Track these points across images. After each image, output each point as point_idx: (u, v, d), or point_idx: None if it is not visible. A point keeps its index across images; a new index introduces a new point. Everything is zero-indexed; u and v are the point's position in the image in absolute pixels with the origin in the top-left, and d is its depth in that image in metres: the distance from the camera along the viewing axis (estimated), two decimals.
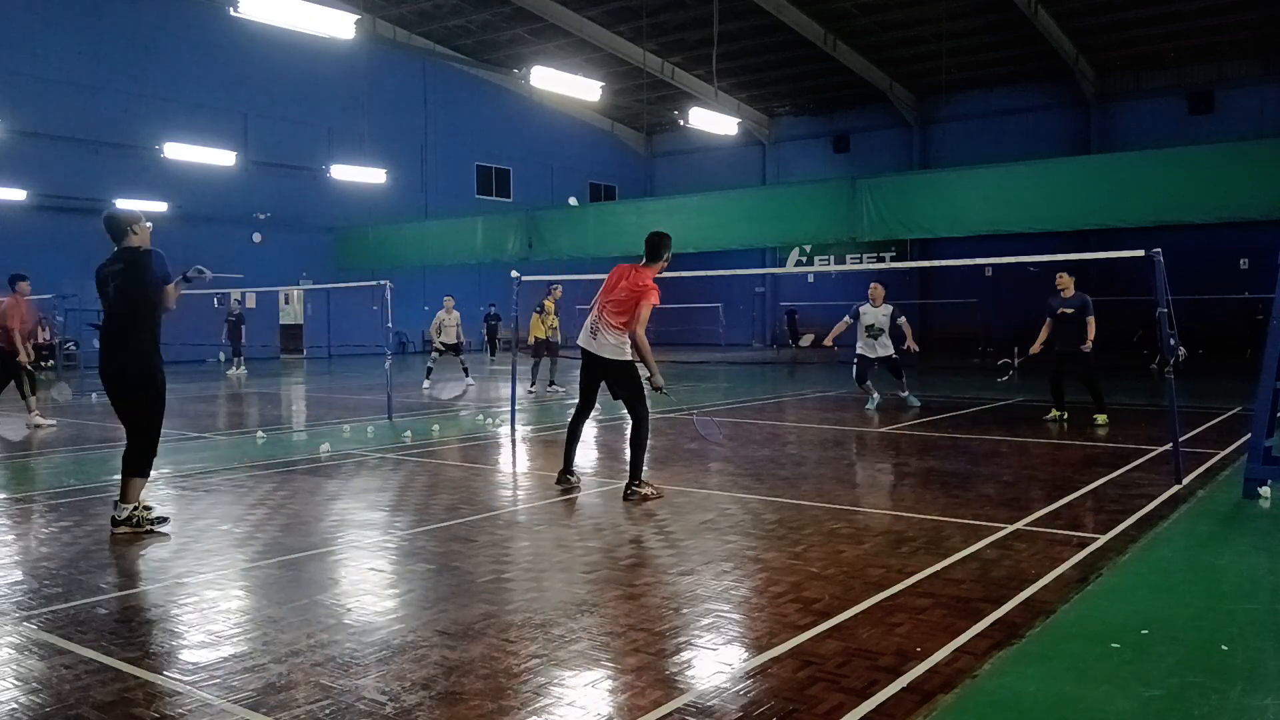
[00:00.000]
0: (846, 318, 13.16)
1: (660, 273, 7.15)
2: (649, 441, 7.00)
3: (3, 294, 11.81)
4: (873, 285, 13.04)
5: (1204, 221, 18.28)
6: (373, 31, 27.88)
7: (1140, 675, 3.57)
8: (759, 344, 36.22)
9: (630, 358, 6.92)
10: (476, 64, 29.99)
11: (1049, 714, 3.26)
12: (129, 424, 6.03)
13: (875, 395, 13.01)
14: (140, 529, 5.91)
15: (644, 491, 6.91)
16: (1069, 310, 10.95)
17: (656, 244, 7.15)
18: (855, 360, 13.08)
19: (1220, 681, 3.50)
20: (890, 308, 12.85)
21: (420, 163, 31.97)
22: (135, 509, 5.96)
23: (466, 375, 17.65)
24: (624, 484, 7.04)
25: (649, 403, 7.10)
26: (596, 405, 7.46)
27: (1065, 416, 11.19)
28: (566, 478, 7.35)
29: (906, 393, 13.09)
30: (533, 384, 16.47)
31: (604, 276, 7.29)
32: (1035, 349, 11.46)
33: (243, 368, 22.47)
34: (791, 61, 31.15)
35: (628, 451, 7.03)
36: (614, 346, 6.88)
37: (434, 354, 18.06)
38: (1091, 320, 10.83)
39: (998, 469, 8.18)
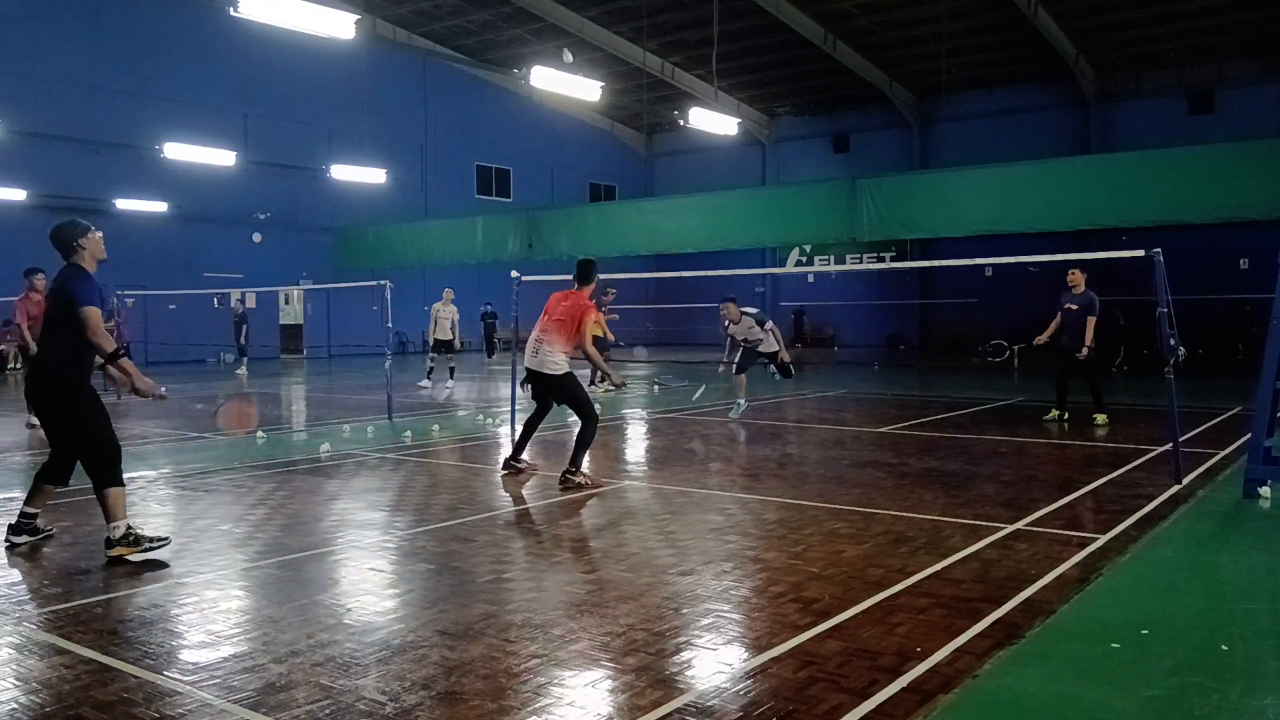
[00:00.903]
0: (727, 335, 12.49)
1: (592, 294, 7.99)
2: (594, 439, 7.73)
3: (13, 292, 11.77)
4: (721, 309, 12.36)
5: (1204, 221, 18.26)
6: (373, 31, 27.88)
7: (1140, 675, 3.57)
8: None
9: (568, 369, 7.69)
10: (476, 64, 29.98)
11: (1049, 714, 3.26)
12: (71, 445, 5.48)
13: (741, 402, 12.21)
14: (138, 547, 5.32)
15: (578, 480, 7.44)
16: (1074, 307, 10.98)
17: (586, 270, 7.96)
18: (740, 350, 12.35)
19: (1220, 681, 3.50)
20: (750, 320, 12.16)
21: (420, 163, 31.96)
22: (129, 527, 5.36)
23: (450, 378, 17.46)
24: (561, 473, 7.55)
25: (597, 407, 7.91)
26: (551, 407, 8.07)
27: (1065, 417, 11.14)
28: (514, 464, 8.01)
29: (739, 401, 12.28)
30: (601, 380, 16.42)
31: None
32: (1040, 340, 11.46)
33: (244, 368, 22.48)
34: (791, 61, 31.14)
35: (572, 444, 7.67)
36: (554, 362, 7.63)
37: (430, 354, 17.85)
38: (1091, 321, 10.79)
39: (998, 469, 8.18)
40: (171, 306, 24.78)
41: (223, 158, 23.80)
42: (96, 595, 4.68)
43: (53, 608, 4.47)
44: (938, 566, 4.98)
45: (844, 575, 4.85)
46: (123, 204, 23.81)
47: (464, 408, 14.10)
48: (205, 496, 7.27)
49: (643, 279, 33.84)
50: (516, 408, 11.42)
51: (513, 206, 32.87)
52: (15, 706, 3.34)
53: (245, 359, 22.82)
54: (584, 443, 7.60)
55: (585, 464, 7.69)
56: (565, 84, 17.03)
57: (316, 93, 28.42)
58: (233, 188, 26.48)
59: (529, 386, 8.04)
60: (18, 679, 3.60)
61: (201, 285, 24.64)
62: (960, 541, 5.51)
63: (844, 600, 4.42)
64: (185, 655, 3.86)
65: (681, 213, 23.21)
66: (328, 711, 3.26)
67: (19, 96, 22.67)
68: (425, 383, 17.30)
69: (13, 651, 3.90)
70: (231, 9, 11.81)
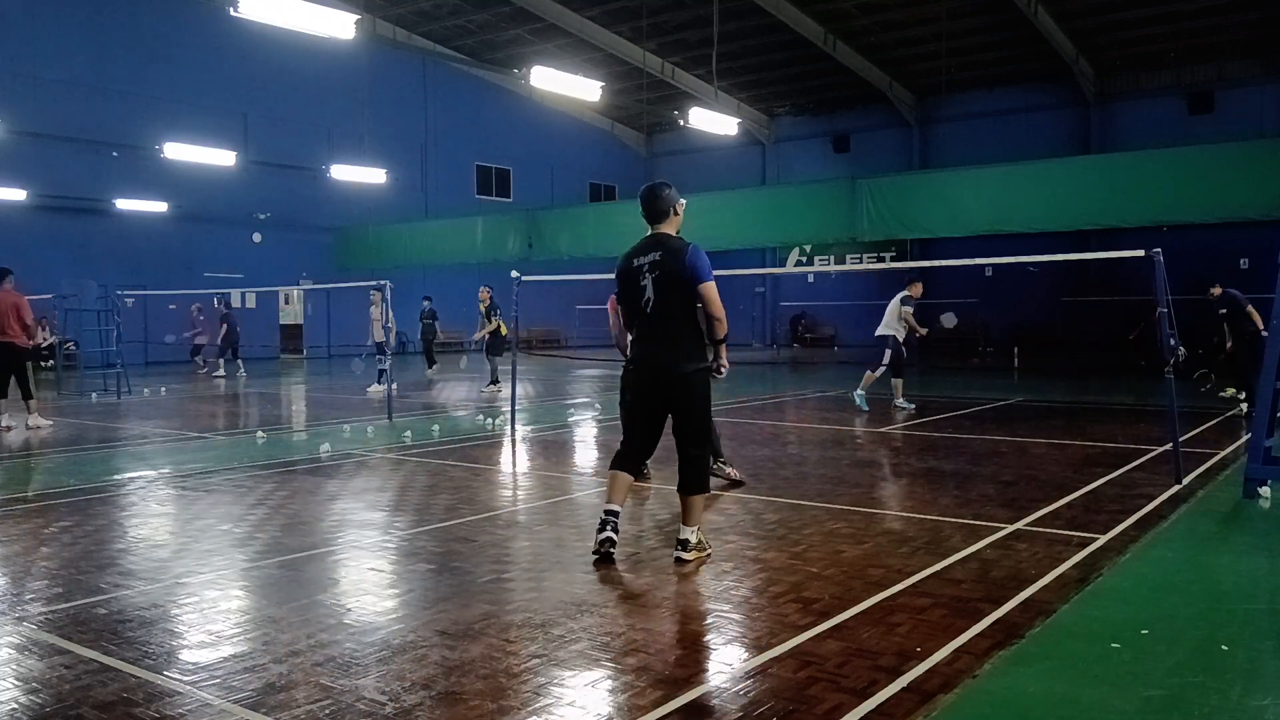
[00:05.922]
0: (911, 309, 13.35)
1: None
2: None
3: None
4: (915, 283, 13.60)
5: (1204, 221, 18.28)
6: (373, 31, 27.86)
7: (1140, 675, 3.56)
8: (759, 344, 36.23)
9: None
10: (476, 64, 29.96)
11: (1049, 714, 3.26)
12: (677, 433, 5.29)
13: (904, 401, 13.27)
14: (703, 553, 5.18)
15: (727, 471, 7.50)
16: (1223, 311, 12.60)
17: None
18: (899, 347, 13.14)
19: (1220, 681, 3.50)
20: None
21: (420, 163, 31.95)
22: (698, 535, 5.20)
23: (378, 380, 16.59)
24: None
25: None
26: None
27: (1244, 396, 11.99)
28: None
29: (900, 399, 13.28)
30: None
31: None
32: (1229, 350, 12.93)
33: (222, 370, 21.25)
34: (791, 61, 31.13)
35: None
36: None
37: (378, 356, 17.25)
38: (1247, 311, 12.20)
39: (998, 469, 8.17)
40: (171, 306, 24.76)
41: (223, 158, 23.80)
42: (96, 595, 4.68)
43: (53, 608, 4.47)
44: (938, 566, 4.98)
45: (844, 575, 4.85)
46: (123, 204, 23.79)
47: (464, 408, 14.10)
48: (205, 496, 7.27)
49: None
50: (517, 408, 11.45)
51: (513, 206, 32.87)
52: (15, 706, 3.34)
53: (223, 361, 21.37)
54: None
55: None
56: (565, 84, 17.03)
57: (316, 93, 28.41)
58: (233, 188, 26.48)
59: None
60: (18, 679, 3.60)
61: (201, 285, 24.62)
62: (960, 541, 5.51)
63: (844, 600, 4.42)
64: (185, 655, 3.86)
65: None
66: (328, 711, 3.26)
67: (19, 96, 22.66)
68: (375, 387, 16.52)
69: (13, 651, 3.90)
70: (231, 9, 11.82)
